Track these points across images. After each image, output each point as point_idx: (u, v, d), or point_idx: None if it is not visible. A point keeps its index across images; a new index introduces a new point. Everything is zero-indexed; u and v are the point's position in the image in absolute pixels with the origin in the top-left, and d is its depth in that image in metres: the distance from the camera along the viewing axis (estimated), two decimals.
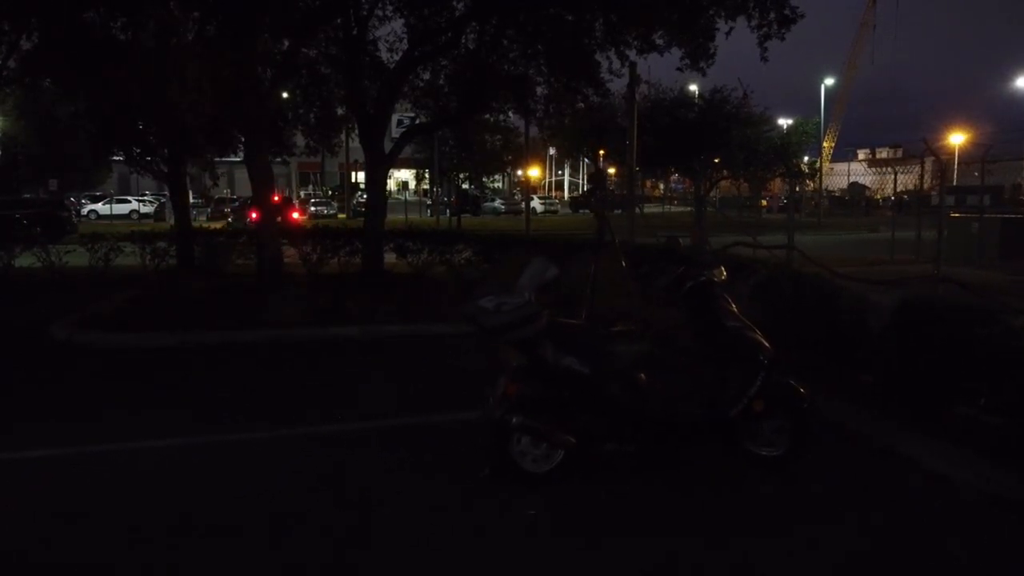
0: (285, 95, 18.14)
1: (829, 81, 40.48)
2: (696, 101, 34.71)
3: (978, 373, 6.03)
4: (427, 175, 42.00)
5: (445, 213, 38.97)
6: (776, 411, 5.41)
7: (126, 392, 7.45)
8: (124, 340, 9.32)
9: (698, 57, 14.23)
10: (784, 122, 38.70)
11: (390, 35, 16.28)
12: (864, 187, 51.64)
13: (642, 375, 5.31)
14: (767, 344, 5.43)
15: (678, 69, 14.62)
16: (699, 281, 5.36)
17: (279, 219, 15.91)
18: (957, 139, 53.71)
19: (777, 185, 45.59)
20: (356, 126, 16.17)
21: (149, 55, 16.03)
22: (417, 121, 17.53)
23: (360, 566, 4.14)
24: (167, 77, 15.19)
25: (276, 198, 15.21)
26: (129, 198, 40.48)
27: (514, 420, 5.06)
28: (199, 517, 4.68)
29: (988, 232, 20.28)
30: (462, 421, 6.26)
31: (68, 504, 4.86)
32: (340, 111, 19.84)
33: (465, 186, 42.20)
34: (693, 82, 36.02)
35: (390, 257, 14.91)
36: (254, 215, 18.26)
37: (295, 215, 31.47)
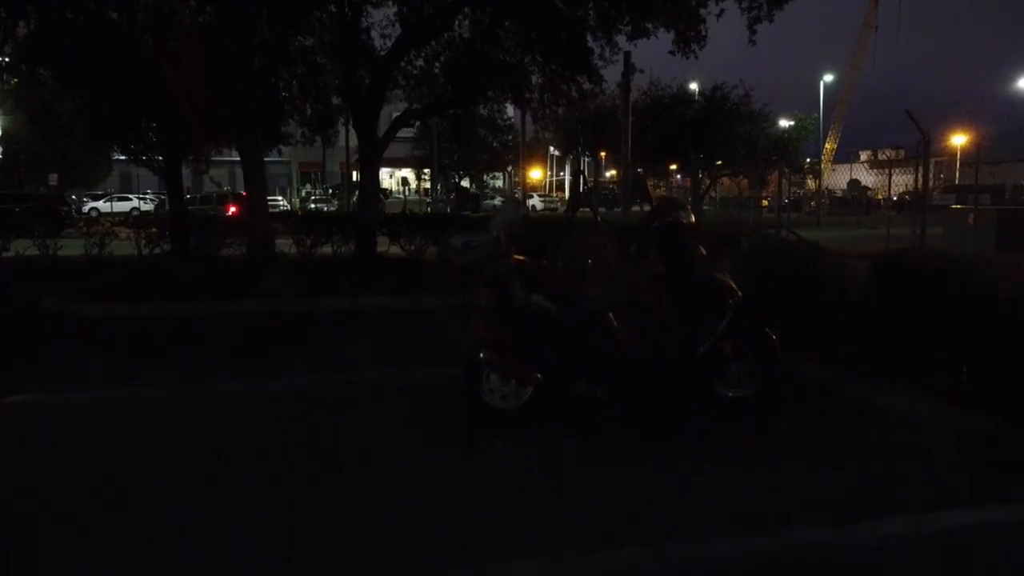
0: (278, 83, 18.18)
1: (828, 77, 40.53)
2: (696, 98, 34.75)
3: (953, 323, 6.06)
4: (427, 173, 42.13)
5: (446, 211, 39.07)
6: (746, 353, 5.45)
7: (109, 351, 7.52)
8: (113, 309, 9.38)
9: (689, 40, 14.29)
10: (785, 123, 38.71)
11: (383, 21, 16.35)
12: (865, 186, 51.59)
13: (611, 315, 5.35)
14: (735, 287, 5.48)
15: (670, 52, 14.67)
16: (666, 222, 5.40)
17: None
18: (959, 139, 53.71)
19: (777, 182, 45.50)
20: (350, 113, 16.24)
21: (144, 42, 16.18)
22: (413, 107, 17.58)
23: (332, 487, 4.22)
24: (162, 62, 15.34)
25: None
26: (130, 196, 40.64)
27: (482, 355, 5.11)
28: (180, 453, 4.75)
29: (984, 224, 20.25)
30: (443, 375, 6.31)
31: (49, 444, 4.95)
32: (336, 101, 19.95)
33: (465, 184, 42.30)
34: (693, 80, 36.15)
35: (384, 249, 14.96)
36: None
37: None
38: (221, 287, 10.19)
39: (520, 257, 5.19)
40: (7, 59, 16.44)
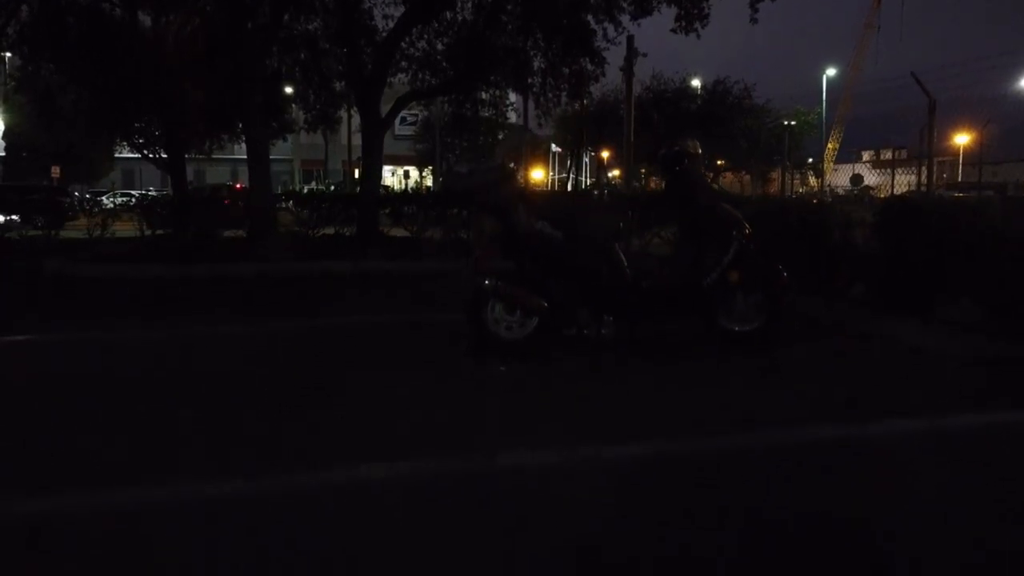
0: (280, 67, 18.18)
1: (831, 71, 40.52)
2: (698, 92, 34.77)
3: (959, 262, 6.03)
4: (429, 170, 42.11)
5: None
6: (753, 285, 5.40)
7: (111, 303, 7.49)
8: (111, 270, 9.35)
9: (692, 17, 14.28)
10: (788, 120, 38.69)
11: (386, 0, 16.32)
12: (867, 185, 51.51)
13: (616, 245, 5.32)
14: (742, 218, 5.44)
15: (672, 31, 14.63)
16: (673, 150, 5.37)
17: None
18: (962, 139, 53.56)
19: (779, 179, 45.44)
20: (353, 93, 16.23)
21: (142, 24, 16.21)
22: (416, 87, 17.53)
23: (342, 397, 4.19)
24: (161, 43, 15.34)
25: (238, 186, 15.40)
26: (132, 192, 40.53)
27: (487, 283, 5.07)
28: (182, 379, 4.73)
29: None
30: (448, 319, 6.27)
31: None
32: (339, 87, 19.94)
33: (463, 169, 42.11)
34: (695, 77, 36.13)
35: (387, 229, 14.92)
36: (227, 202, 18.08)
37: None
38: (222, 254, 10.16)
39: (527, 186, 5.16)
40: (10, 40, 16.43)
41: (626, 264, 5.30)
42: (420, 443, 3.45)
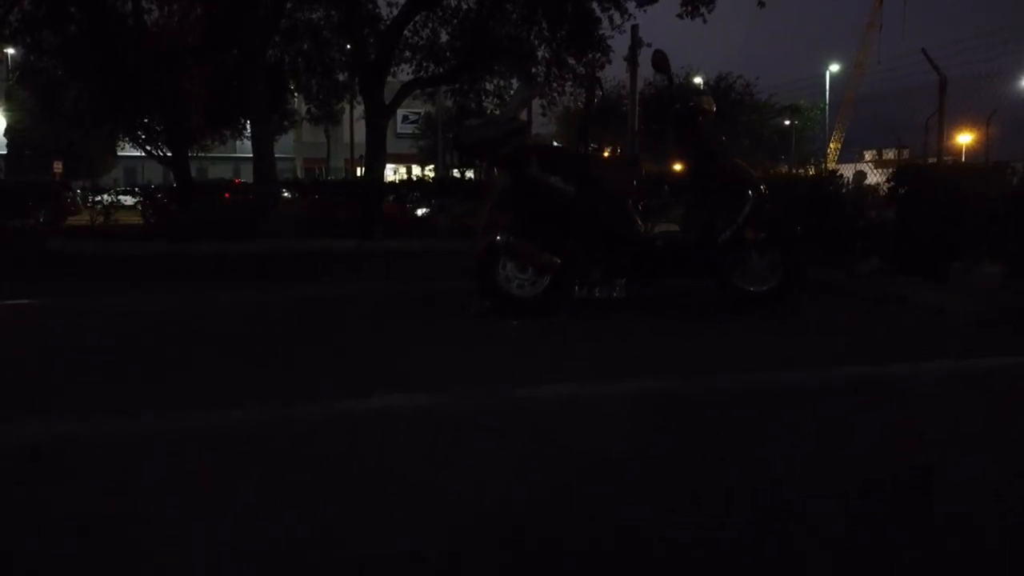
0: (283, 56, 18.12)
1: (835, 67, 40.37)
2: (701, 89, 34.66)
3: (979, 225, 5.94)
4: (432, 168, 42.04)
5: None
6: (768, 243, 5.28)
7: (111, 276, 7.39)
8: (114, 247, 9.27)
9: (698, 2, 14.20)
10: (792, 122, 38.65)
11: None
12: (870, 184, 51.53)
13: (630, 202, 5.22)
14: (756, 176, 5.35)
15: (678, 16, 14.55)
16: (687, 106, 5.26)
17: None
18: (964, 139, 53.46)
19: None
20: (357, 79, 16.16)
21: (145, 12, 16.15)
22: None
23: (359, 346, 4.10)
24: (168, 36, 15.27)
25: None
26: (135, 189, 40.44)
27: (498, 238, 4.97)
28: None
29: None
30: (458, 287, 6.17)
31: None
32: (342, 77, 19.86)
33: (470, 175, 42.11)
34: (697, 75, 36.09)
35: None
36: (227, 196, 17.96)
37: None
38: (224, 232, 10.07)
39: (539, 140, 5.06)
40: (12, 29, 16.36)
41: (640, 221, 5.20)
42: (439, 380, 3.36)
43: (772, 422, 2.76)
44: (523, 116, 5.00)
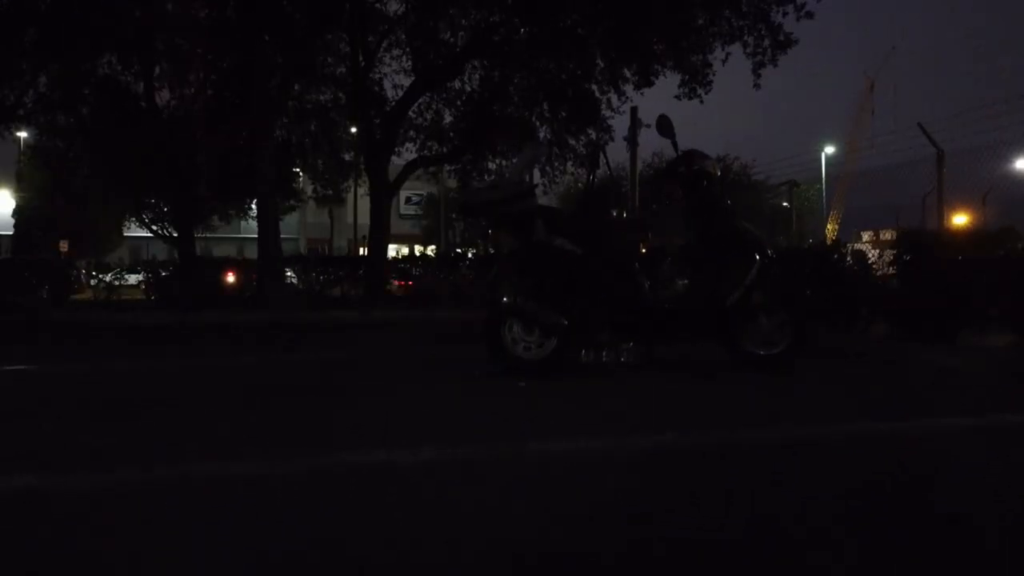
0: (290, 137, 18.50)
1: (830, 149, 40.96)
2: (706, 154, 35.23)
3: (987, 289, 5.93)
4: (434, 249, 42.42)
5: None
6: (776, 306, 5.26)
7: (113, 341, 7.34)
8: (118, 318, 9.26)
9: (696, 83, 14.57)
10: (787, 205, 39.12)
11: (395, 64, 16.68)
12: (867, 258, 51.87)
13: (637, 264, 5.22)
14: (764, 238, 5.37)
15: (676, 97, 14.91)
16: (694, 169, 5.32)
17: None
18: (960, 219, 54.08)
19: None
20: (363, 157, 16.46)
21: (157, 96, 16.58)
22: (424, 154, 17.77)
23: (366, 409, 4.02)
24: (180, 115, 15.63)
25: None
26: (139, 268, 40.72)
27: (505, 300, 4.96)
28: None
29: None
30: (460, 354, 6.13)
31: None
32: (347, 157, 20.26)
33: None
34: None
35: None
36: (231, 275, 18.07)
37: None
38: (229, 302, 10.07)
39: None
40: (27, 109, 16.76)
41: (647, 284, 5.19)
42: (444, 435, 3.29)
43: (784, 474, 2.68)
44: (529, 178, 5.02)
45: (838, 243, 7.88)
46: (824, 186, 36.36)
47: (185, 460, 2.80)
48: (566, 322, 4.97)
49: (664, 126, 5.32)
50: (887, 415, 3.70)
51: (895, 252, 6.65)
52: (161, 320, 9.10)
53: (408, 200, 48.23)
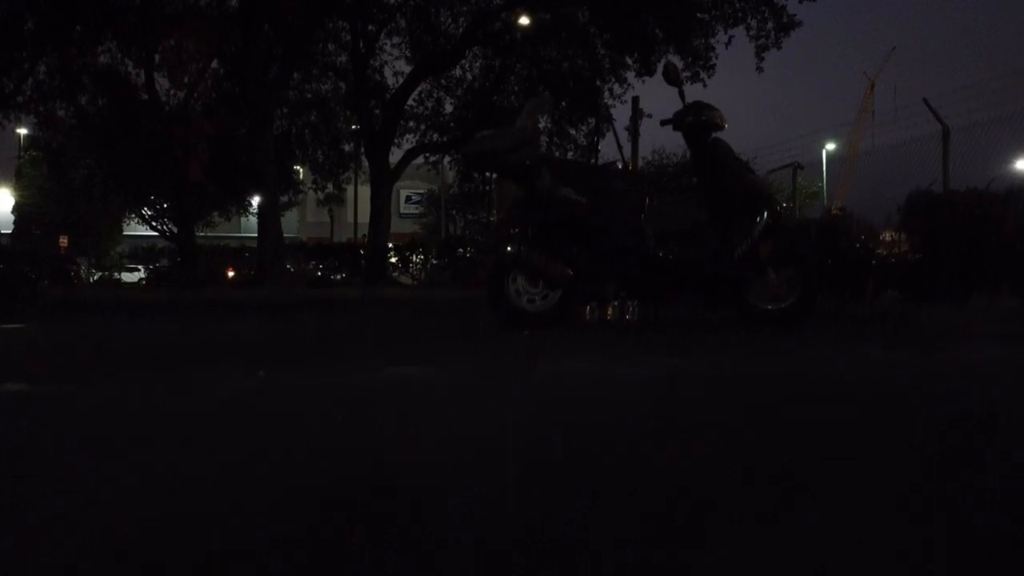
0: (291, 128, 18.46)
1: (831, 146, 40.71)
2: (712, 105, 35.12)
3: (997, 250, 5.83)
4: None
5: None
6: (784, 259, 5.15)
7: (119, 311, 7.23)
8: (123, 296, 9.15)
9: (699, 67, 14.51)
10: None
11: (395, 52, 16.64)
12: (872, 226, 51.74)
13: (642, 216, 5.13)
14: (772, 192, 5.28)
15: None
16: (700, 120, 5.22)
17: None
18: None
19: None
20: (363, 143, 16.40)
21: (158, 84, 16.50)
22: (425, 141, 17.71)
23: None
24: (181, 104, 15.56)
25: None
26: (139, 266, 40.69)
27: (509, 250, 4.87)
28: None
29: None
30: (461, 318, 6.02)
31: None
32: (347, 147, 20.21)
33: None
34: None
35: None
36: (231, 272, 17.96)
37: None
38: (232, 281, 9.97)
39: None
40: (26, 97, 16.69)
41: (652, 237, 5.10)
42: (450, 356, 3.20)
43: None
44: (534, 128, 4.94)
45: (844, 214, 7.75)
46: (825, 185, 36.15)
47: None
48: (571, 273, 4.89)
49: (671, 74, 5.23)
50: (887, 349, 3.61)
51: (905, 214, 6.55)
52: (160, 297, 9.01)
53: (408, 200, 48.19)
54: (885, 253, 7.32)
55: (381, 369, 2.84)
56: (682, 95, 5.32)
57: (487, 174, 17.18)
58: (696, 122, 5.21)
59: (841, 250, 7.37)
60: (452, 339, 4.21)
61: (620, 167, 5.70)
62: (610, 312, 5.10)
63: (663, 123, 5.33)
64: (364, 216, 22.20)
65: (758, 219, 5.08)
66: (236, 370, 2.86)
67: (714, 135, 5.26)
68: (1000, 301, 5.89)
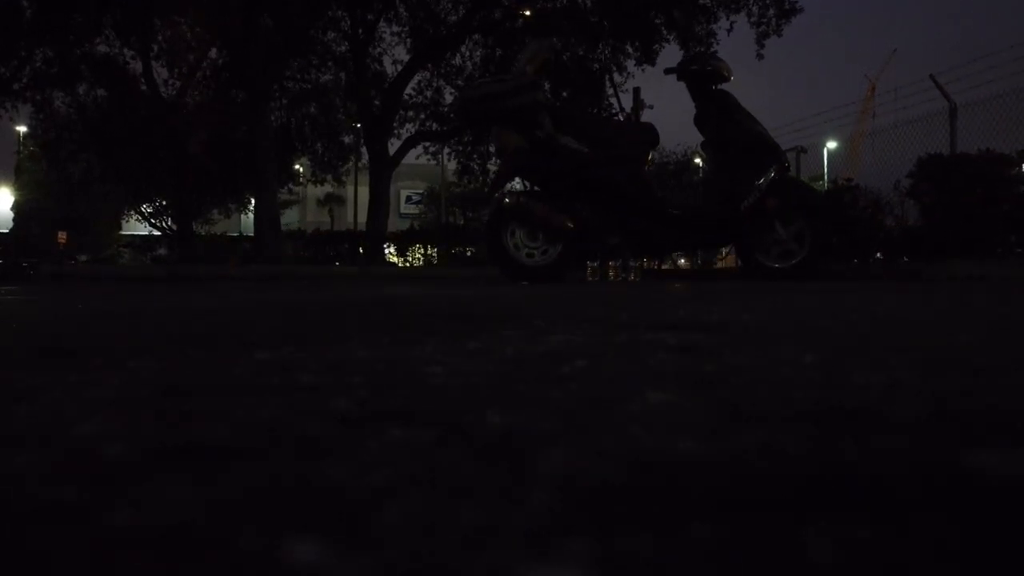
0: (291, 121, 18.31)
1: (832, 144, 40.60)
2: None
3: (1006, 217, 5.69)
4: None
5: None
6: (793, 213, 4.99)
7: (118, 282, 7.08)
8: (121, 270, 9.04)
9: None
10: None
11: (394, 40, 16.49)
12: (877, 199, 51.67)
13: (645, 169, 4.99)
14: (779, 145, 5.14)
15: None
16: (705, 69, 5.08)
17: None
18: None
19: None
20: (363, 131, 16.26)
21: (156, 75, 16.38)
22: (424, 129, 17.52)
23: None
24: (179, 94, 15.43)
25: None
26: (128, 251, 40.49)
27: (507, 200, 4.73)
28: None
29: None
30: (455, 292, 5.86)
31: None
32: (347, 139, 20.06)
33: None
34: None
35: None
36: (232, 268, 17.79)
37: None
38: (227, 260, 9.83)
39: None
40: (23, 84, 16.56)
41: (656, 188, 4.96)
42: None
43: None
44: (535, 73, 4.80)
45: (850, 181, 7.62)
46: (826, 169, 36.01)
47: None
48: (572, 225, 4.74)
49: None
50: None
51: (916, 179, 6.39)
52: (156, 272, 8.87)
53: (408, 199, 48.03)
54: (893, 224, 7.17)
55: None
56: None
57: (488, 150, 16.91)
58: (701, 71, 5.08)
59: (847, 221, 7.24)
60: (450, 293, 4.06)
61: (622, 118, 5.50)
62: (611, 274, 4.94)
63: (667, 71, 5.20)
64: (364, 216, 22.05)
65: (766, 172, 4.94)
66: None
67: (719, 86, 5.13)
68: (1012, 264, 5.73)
